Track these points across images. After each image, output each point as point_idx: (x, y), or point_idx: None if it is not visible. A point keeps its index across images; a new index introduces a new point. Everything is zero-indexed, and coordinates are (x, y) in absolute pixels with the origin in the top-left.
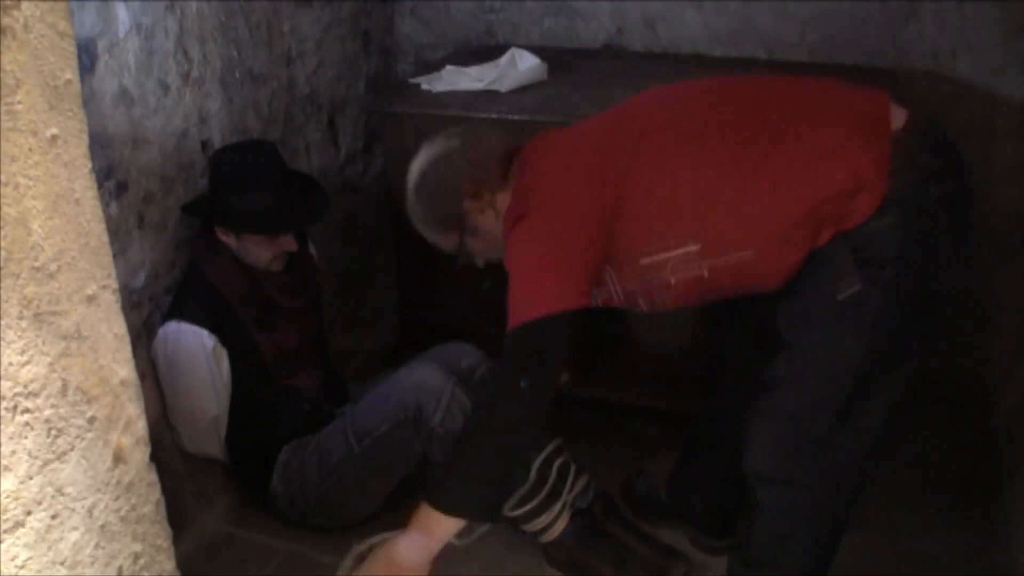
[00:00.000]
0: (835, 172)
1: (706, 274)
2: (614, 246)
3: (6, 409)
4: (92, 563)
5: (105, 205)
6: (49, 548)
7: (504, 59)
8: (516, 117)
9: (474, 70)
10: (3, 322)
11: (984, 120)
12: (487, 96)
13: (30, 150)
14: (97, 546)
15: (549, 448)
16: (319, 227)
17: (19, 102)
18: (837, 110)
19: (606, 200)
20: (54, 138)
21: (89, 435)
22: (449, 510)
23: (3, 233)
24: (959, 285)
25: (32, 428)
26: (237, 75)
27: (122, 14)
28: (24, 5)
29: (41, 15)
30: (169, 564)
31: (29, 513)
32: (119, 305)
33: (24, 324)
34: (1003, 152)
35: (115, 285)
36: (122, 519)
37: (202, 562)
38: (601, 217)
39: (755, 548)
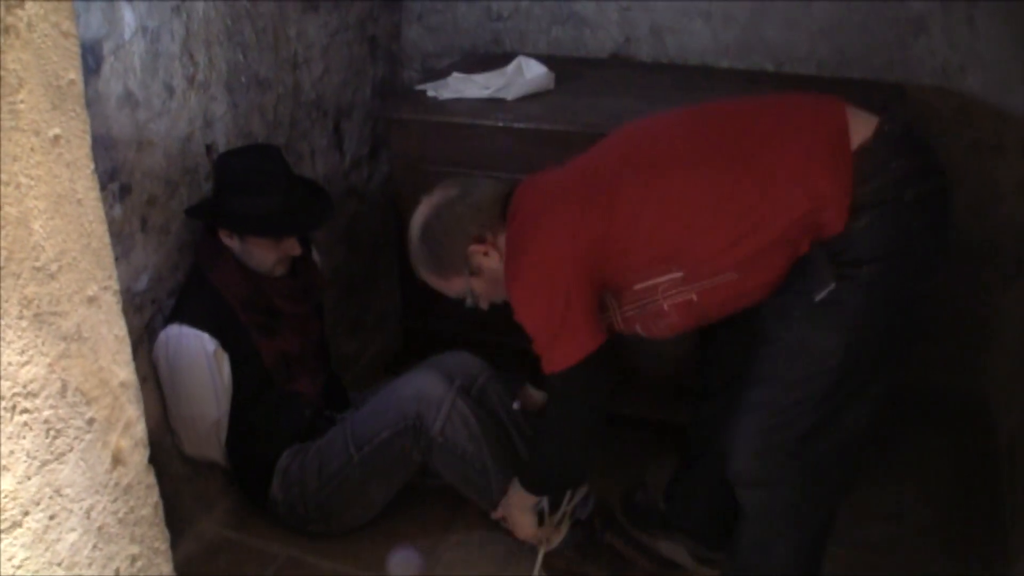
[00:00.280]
0: (797, 199)
1: (695, 298)
2: (608, 278)
3: (5, 409)
4: (89, 564)
5: (108, 207)
6: (47, 549)
7: (511, 67)
8: (522, 125)
9: (481, 78)
10: (3, 322)
11: (993, 136)
12: (493, 104)
13: (32, 150)
14: (95, 548)
15: None
16: (323, 233)
17: (22, 101)
18: (797, 136)
19: (593, 242)
20: (56, 138)
21: (88, 436)
22: (534, 491)
23: (4, 233)
24: (937, 285)
25: (31, 428)
26: (243, 79)
27: (128, 16)
28: (28, 4)
29: (45, 14)
30: (167, 567)
31: (27, 513)
32: (120, 307)
33: (24, 324)
34: (1012, 168)
35: (116, 287)
36: (120, 521)
37: (201, 566)
38: (587, 259)
39: (740, 556)
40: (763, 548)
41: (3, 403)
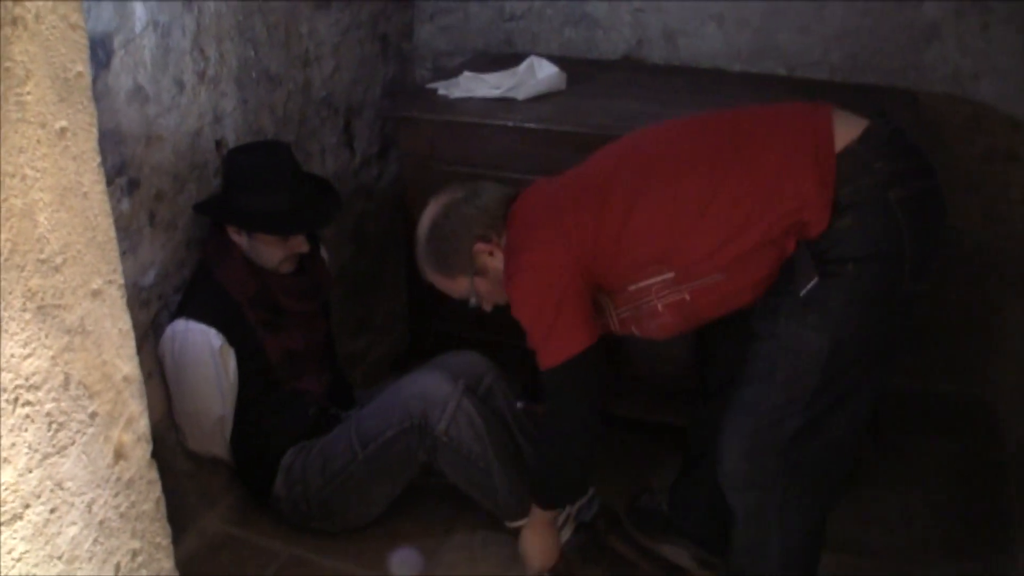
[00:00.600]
0: (781, 199)
1: (688, 297)
2: (601, 279)
3: (7, 401)
4: (90, 559)
5: (116, 202)
6: (47, 542)
7: (522, 67)
8: (532, 125)
9: (492, 77)
10: (6, 314)
11: (1006, 144)
12: (504, 103)
13: (38, 142)
14: (95, 542)
15: None
16: (331, 231)
17: (28, 93)
18: (781, 139)
19: (585, 242)
20: (63, 130)
21: (90, 430)
22: (548, 506)
23: (9, 224)
24: (927, 285)
25: (33, 421)
26: (253, 75)
27: (139, 11)
28: None
29: (53, 6)
30: (168, 563)
31: (28, 506)
32: (124, 301)
33: (27, 316)
34: None
35: (121, 280)
36: (121, 515)
37: (203, 562)
38: (580, 259)
39: (735, 559)
40: (754, 549)
41: (5, 395)
